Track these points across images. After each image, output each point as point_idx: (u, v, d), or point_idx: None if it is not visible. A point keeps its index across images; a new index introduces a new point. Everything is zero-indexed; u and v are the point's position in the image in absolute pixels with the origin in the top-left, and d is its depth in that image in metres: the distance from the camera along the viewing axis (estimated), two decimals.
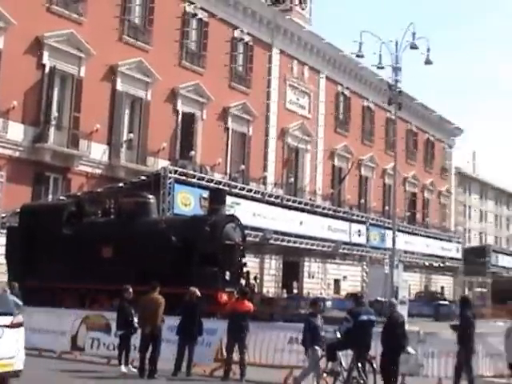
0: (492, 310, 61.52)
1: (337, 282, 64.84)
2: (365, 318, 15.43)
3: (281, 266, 54.44)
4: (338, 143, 64.70)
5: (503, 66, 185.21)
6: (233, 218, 26.30)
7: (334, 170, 64.26)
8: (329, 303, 53.11)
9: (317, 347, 15.48)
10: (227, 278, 24.64)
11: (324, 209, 41.71)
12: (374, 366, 14.93)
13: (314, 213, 39.97)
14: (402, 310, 30.94)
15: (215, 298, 23.14)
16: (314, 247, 39.88)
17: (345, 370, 15.36)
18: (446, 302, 55.91)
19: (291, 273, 57.64)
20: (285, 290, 54.45)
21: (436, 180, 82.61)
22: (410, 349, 16.25)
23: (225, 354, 18.34)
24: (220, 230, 24.96)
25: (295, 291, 57.28)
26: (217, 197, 26.64)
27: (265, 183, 52.97)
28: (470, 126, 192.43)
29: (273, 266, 53.00)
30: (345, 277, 65.10)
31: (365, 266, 44.09)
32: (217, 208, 25.96)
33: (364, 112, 69.16)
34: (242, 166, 51.36)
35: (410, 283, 51.59)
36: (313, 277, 61.00)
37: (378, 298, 47.01)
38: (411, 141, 76.54)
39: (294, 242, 38.09)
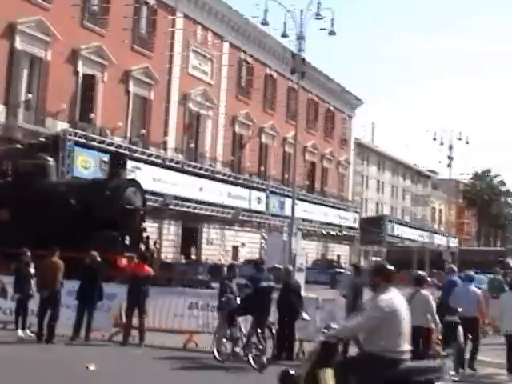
0: None
1: (235, 248, 65.11)
2: (265, 284, 15.62)
3: (180, 231, 54.39)
4: (240, 110, 64.58)
5: (409, 43, 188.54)
6: (133, 183, 26.16)
7: (234, 136, 64.18)
8: (226, 269, 53.28)
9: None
10: (127, 242, 24.56)
11: (224, 175, 41.87)
12: (273, 331, 15.12)
13: (214, 179, 40.11)
14: (300, 277, 31.37)
15: (114, 262, 23.03)
16: (214, 213, 40.09)
17: (244, 335, 15.51)
18: (342, 270, 56.95)
19: (190, 239, 57.65)
20: (183, 256, 54.41)
21: (335, 150, 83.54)
22: (304, 315, 16.53)
23: (124, 318, 18.30)
24: (120, 194, 24.82)
25: (194, 257, 57.32)
26: (118, 160, 26.46)
27: (165, 148, 52.55)
28: (370, 97, 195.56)
29: (172, 231, 52.86)
30: (243, 244, 65.47)
31: (263, 234, 44.42)
32: (117, 172, 25.77)
33: (266, 80, 69.16)
34: (143, 131, 50.79)
35: (307, 251, 52.30)
36: (211, 243, 61.14)
37: (276, 265, 47.53)
38: (312, 110, 77.06)
39: (194, 208, 38.16)
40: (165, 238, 52.40)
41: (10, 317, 18.70)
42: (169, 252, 51.84)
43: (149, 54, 52.01)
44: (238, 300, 16.02)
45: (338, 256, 78.71)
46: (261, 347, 14.90)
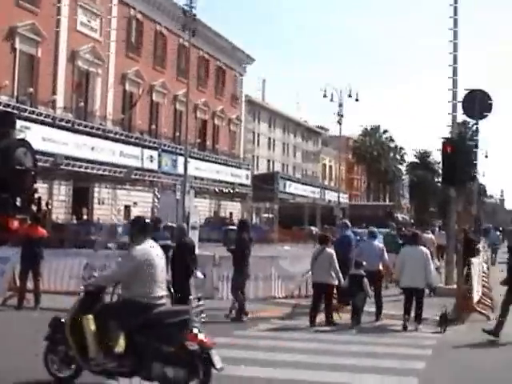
0: (279, 234, 63.95)
1: (127, 207, 64.56)
2: (161, 243, 15.48)
3: (71, 192, 53.51)
4: (130, 68, 63.63)
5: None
6: (24, 143, 25.56)
7: (125, 94, 63.29)
8: (120, 229, 52.90)
9: None
10: (18, 204, 24.01)
11: (116, 134, 41.21)
12: (172, 290, 15.07)
13: (106, 138, 39.45)
14: (193, 235, 31.46)
15: (6, 224, 22.51)
16: (106, 173, 39.47)
17: None
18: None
19: (81, 199, 56.83)
20: (74, 217, 53.59)
21: (226, 107, 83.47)
22: (198, 273, 16.53)
23: (18, 282, 17.94)
24: (10, 154, 24.19)
25: (85, 217, 56.55)
26: (6, 120, 25.70)
27: (54, 107, 51.29)
28: (261, 55, 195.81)
29: (62, 191, 51.90)
30: (135, 203, 64.90)
31: (156, 192, 44.16)
32: (6, 132, 25.06)
33: (156, 37, 68.26)
34: (31, 89, 49.37)
35: (200, 209, 52.25)
36: (103, 203, 60.42)
37: (169, 224, 47.45)
38: (203, 68, 76.73)
39: (86, 168, 37.55)
40: (55, 199, 51.37)
41: None
42: (60, 213, 50.90)
43: (35, 10, 50.37)
44: None
45: (231, 213, 79.01)
46: None
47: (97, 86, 59.25)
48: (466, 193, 33.19)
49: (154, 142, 45.66)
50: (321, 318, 15.89)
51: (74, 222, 51.35)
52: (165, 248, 15.53)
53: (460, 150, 17.86)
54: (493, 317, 16.73)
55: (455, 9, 22.77)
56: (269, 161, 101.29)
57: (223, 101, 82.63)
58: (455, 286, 20.47)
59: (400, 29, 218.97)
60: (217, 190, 56.94)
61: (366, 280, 16.14)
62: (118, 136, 40.94)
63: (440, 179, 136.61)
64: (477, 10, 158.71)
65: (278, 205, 67.47)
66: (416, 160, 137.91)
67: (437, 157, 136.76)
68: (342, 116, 71.51)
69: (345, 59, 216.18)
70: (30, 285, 17.53)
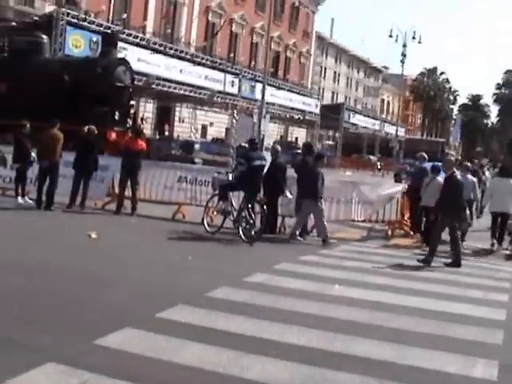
0: (341, 160, 63.11)
1: (204, 127, 64.35)
2: (258, 163, 14.90)
3: (155, 110, 53.28)
4: (213, 1, 62.65)
5: None
6: (123, 61, 24.97)
7: (207, 24, 62.69)
8: (197, 146, 52.65)
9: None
10: (117, 117, 23.57)
11: (202, 59, 40.32)
12: (264, 207, 14.48)
13: (194, 62, 38.62)
14: (267, 156, 30.83)
15: (105, 136, 22.05)
16: (192, 94, 38.77)
17: (235, 209, 14.89)
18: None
19: (164, 117, 56.66)
20: (157, 132, 53.45)
21: (298, 41, 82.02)
22: (288, 193, 15.91)
23: (117, 190, 17.56)
24: (111, 71, 23.70)
25: (166, 134, 56.41)
26: (109, 40, 25.08)
27: (144, 32, 50.59)
28: None
29: (148, 109, 51.66)
30: (211, 123, 64.67)
31: (235, 114, 43.39)
32: (109, 51, 24.45)
33: None
34: (124, 15, 48.83)
35: (269, 132, 51.46)
36: (183, 121, 60.24)
37: (242, 144, 46.85)
38: (279, 3, 75.01)
39: (174, 88, 36.88)
40: (141, 116, 51.28)
41: (9, 184, 17.84)
42: (146, 129, 50.78)
43: None
44: (230, 176, 15.35)
45: (296, 138, 78.30)
46: (251, 221, 14.33)
47: (183, 14, 58.60)
48: None
49: (236, 69, 44.68)
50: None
51: (157, 137, 51.24)
52: (261, 168, 15.00)
53: None
54: None
55: None
56: (333, 93, 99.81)
57: (296, 35, 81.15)
58: None
59: None
60: (288, 115, 55.89)
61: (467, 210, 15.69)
62: (204, 61, 40.00)
63: (489, 121, 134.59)
64: None
65: (342, 133, 66.34)
66: (468, 102, 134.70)
67: (487, 100, 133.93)
68: (405, 56, 69.43)
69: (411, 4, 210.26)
70: (127, 193, 17.15)
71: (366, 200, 17.04)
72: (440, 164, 17.01)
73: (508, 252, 16.05)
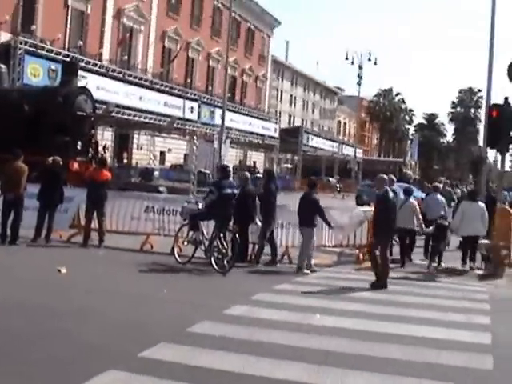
0: (301, 183, 63.18)
1: (162, 154, 64.03)
2: (229, 191, 14.66)
3: (113, 137, 52.85)
4: (169, 26, 62.63)
5: None
6: (84, 90, 24.65)
7: (164, 50, 62.50)
8: (156, 173, 52.31)
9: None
10: (79, 147, 23.18)
11: (162, 85, 40.08)
12: (237, 236, 14.27)
13: (152, 89, 38.35)
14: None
15: (67, 166, 21.65)
16: (152, 121, 38.48)
17: (206, 239, 14.64)
18: (260, 175, 56.36)
19: (122, 144, 56.26)
20: (116, 160, 52.94)
21: (254, 65, 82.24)
22: (258, 220, 15.76)
23: (82, 221, 17.19)
24: (72, 101, 23.33)
25: (125, 161, 55.94)
26: (70, 68, 24.75)
27: (100, 60, 50.28)
28: (287, 19, 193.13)
29: (106, 136, 51.15)
30: (170, 149, 64.36)
31: (195, 140, 43.23)
32: (69, 79, 24.10)
33: None
34: (80, 42, 48.45)
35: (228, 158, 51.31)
36: (141, 148, 59.83)
37: (202, 170, 46.73)
38: (235, 28, 75.28)
39: (134, 116, 36.52)
40: (100, 144, 50.79)
41: None
42: (106, 157, 50.30)
43: None
44: (200, 205, 15.10)
45: (254, 162, 78.39)
46: (223, 251, 14.09)
47: (139, 41, 58.45)
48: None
49: (195, 94, 44.53)
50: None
51: (116, 165, 50.75)
52: (232, 196, 14.79)
53: (506, 115, 16.87)
54: None
55: None
56: (290, 116, 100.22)
57: (251, 59, 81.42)
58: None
59: None
60: (247, 140, 55.90)
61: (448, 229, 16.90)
62: (163, 87, 39.76)
63: (444, 140, 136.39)
64: None
65: (301, 156, 66.55)
66: (424, 121, 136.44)
67: (443, 119, 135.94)
68: (361, 78, 70.27)
69: (367, 25, 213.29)
70: (93, 224, 16.81)
71: (337, 224, 16.89)
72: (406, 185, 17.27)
73: (481, 272, 16.08)
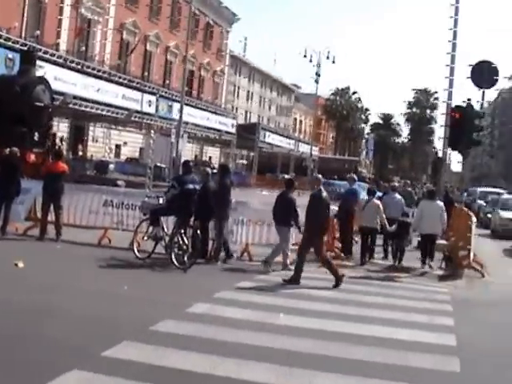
0: (256, 180, 63.18)
1: (118, 146, 63.40)
2: (191, 186, 14.44)
3: (68, 129, 52.14)
4: (128, 18, 61.89)
5: None
6: (42, 80, 24.14)
7: (121, 42, 61.66)
8: (112, 166, 51.79)
9: None
10: (36, 138, 22.68)
11: (120, 78, 39.51)
12: (198, 232, 14.10)
13: (111, 81, 37.78)
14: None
15: (23, 157, 21.16)
16: (110, 114, 37.92)
17: (166, 234, 14.43)
18: (215, 171, 56.06)
19: (77, 136, 55.54)
20: (71, 152, 52.20)
21: (212, 60, 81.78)
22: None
23: (39, 214, 16.83)
24: (30, 91, 22.81)
25: (80, 154, 55.21)
26: (28, 57, 24.19)
27: (57, 50, 49.32)
28: (246, 14, 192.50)
29: (62, 128, 50.37)
30: (125, 142, 63.77)
31: (152, 134, 42.80)
32: (27, 69, 23.56)
33: None
34: (37, 32, 47.52)
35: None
36: (96, 141, 59.15)
37: (158, 164, 46.36)
38: (193, 22, 74.66)
39: (91, 108, 35.94)
40: (60, 136, 50.06)
41: None
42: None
43: None
44: (161, 200, 14.87)
45: (210, 158, 78.10)
46: (184, 247, 13.89)
47: (97, 32, 57.57)
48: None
49: (153, 88, 44.02)
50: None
51: (70, 157, 50.07)
52: (194, 192, 14.59)
53: (467, 117, 16.98)
54: (487, 274, 16.22)
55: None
56: (246, 112, 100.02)
57: (209, 54, 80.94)
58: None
59: None
60: (203, 135, 55.48)
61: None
62: (121, 80, 39.19)
63: (400, 140, 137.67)
64: None
65: (257, 153, 66.45)
66: (379, 121, 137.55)
67: (398, 119, 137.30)
68: (319, 75, 70.43)
69: (326, 22, 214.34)
70: (50, 217, 16.46)
71: (300, 222, 16.79)
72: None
73: (441, 273, 16.18)
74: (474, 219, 17.94)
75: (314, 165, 73.48)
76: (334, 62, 69.37)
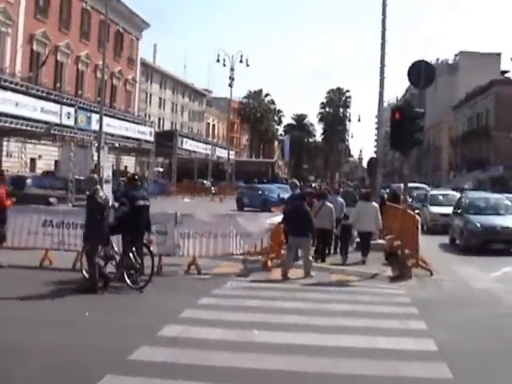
0: (176, 188, 62.53)
1: (33, 160, 61.65)
2: (141, 202, 13.80)
3: None
4: (38, 29, 60.19)
5: None
6: None
7: (32, 54, 59.94)
8: (29, 181, 50.23)
9: None
10: None
11: (38, 91, 38.20)
12: (151, 249, 13.57)
13: (29, 94, 36.47)
14: (107, 189, 29.59)
15: None
16: (28, 128, 36.61)
17: (117, 253, 13.79)
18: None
19: None
20: None
21: (123, 69, 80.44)
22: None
23: None
24: None
25: None
26: None
27: None
28: (156, 20, 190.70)
29: None
30: (40, 156, 62.05)
31: (72, 147, 41.56)
32: None
33: (62, 0, 64.67)
34: None
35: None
36: (11, 156, 57.30)
37: (77, 177, 45.14)
38: (103, 31, 73.35)
39: (11, 123, 34.63)
40: None
41: None
42: None
43: None
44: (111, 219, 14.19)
45: (126, 167, 76.83)
46: (137, 265, 13.32)
47: (7, 44, 55.77)
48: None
49: (71, 100, 42.78)
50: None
51: None
52: (145, 207, 14.00)
53: (408, 117, 16.93)
54: (434, 272, 16.26)
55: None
56: (159, 119, 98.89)
57: (121, 62, 79.62)
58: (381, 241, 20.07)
59: None
60: (121, 145, 54.32)
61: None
62: (40, 93, 37.91)
63: (314, 139, 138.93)
64: None
65: (176, 160, 65.75)
66: (293, 122, 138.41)
67: (312, 119, 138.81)
68: (232, 79, 70.34)
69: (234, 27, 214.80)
70: None
71: (245, 232, 16.46)
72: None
73: (390, 274, 16.15)
74: (418, 218, 18.09)
75: (231, 169, 73.30)
76: (248, 65, 69.33)
